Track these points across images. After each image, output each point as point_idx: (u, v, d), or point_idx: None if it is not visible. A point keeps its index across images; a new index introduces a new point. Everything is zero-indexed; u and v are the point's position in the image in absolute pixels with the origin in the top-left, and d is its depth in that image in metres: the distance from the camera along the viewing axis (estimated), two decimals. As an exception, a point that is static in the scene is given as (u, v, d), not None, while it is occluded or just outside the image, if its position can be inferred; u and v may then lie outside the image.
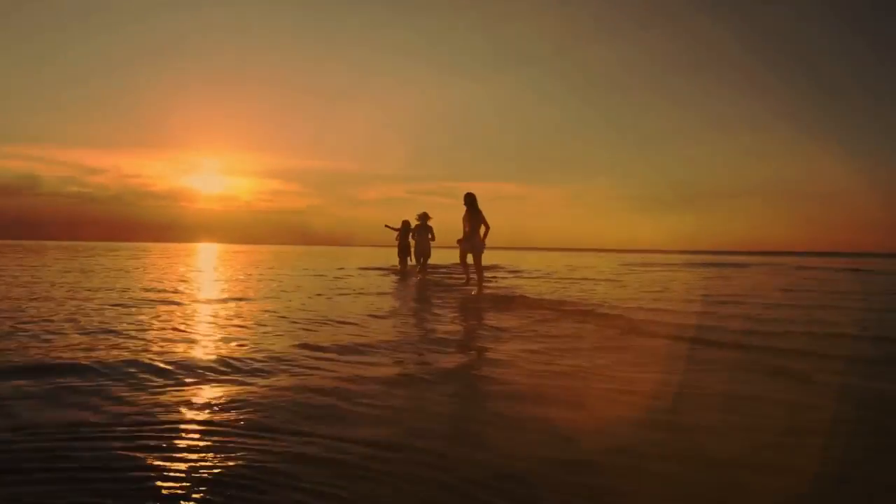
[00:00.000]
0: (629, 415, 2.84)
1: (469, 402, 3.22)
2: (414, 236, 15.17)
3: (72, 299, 7.49)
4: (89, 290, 8.86)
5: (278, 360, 3.97)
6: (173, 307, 6.96)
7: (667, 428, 2.63)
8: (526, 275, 16.76)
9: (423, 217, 14.62)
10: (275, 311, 6.78)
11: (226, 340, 4.68)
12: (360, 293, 9.61)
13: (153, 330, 5.15)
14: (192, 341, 4.63)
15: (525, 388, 3.35)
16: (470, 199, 9.98)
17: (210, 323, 5.75)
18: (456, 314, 7.14)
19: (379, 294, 9.67)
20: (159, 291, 9.07)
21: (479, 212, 9.91)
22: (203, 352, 4.20)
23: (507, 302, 8.45)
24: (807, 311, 7.90)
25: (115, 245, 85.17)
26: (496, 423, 2.70)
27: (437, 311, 7.41)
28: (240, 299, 8.12)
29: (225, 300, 7.97)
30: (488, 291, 10.17)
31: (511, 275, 16.63)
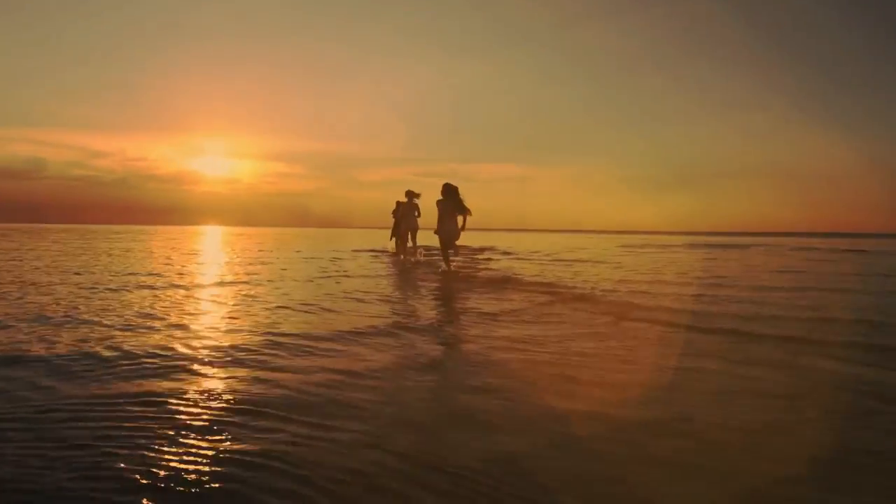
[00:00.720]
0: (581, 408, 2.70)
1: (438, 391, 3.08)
2: (396, 214, 14.70)
3: (46, 284, 7.38)
4: (65, 274, 8.75)
5: (230, 350, 3.83)
6: (146, 291, 6.84)
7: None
8: (521, 256, 16.59)
9: (410, 195, 13.95)
10: (251, 295, 6.66)
11: (179, 327, 4.55)
12: (344, 276, 9.49)
13: (114, 315, 5.03)
14: (147, 328, 4.51)
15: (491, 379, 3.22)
16: (451, 190, 10.27)
17: (175, 308, 5.62)
18: (431, 299, 7.02)
19: (362, 277, 9.53)
20: (137, 275, 8.96)
21: (460, 202, 10.21)
22: (151, 340, 4.06)
23: (492, 284, 8.32)
24: (802, 293, 7.76)
25: (118, 228, 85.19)
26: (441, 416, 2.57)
27: (415, 295, 7.29)
28: (219, 283, 8.00)
29: (201, 285, 7.84)
30: (480, 274, 10.23)
31: (504, 256, 16.47)
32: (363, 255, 16.12)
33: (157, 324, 4.62)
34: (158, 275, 9.05)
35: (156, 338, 4.04)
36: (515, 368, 3.41)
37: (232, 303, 6.01)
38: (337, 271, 10.47)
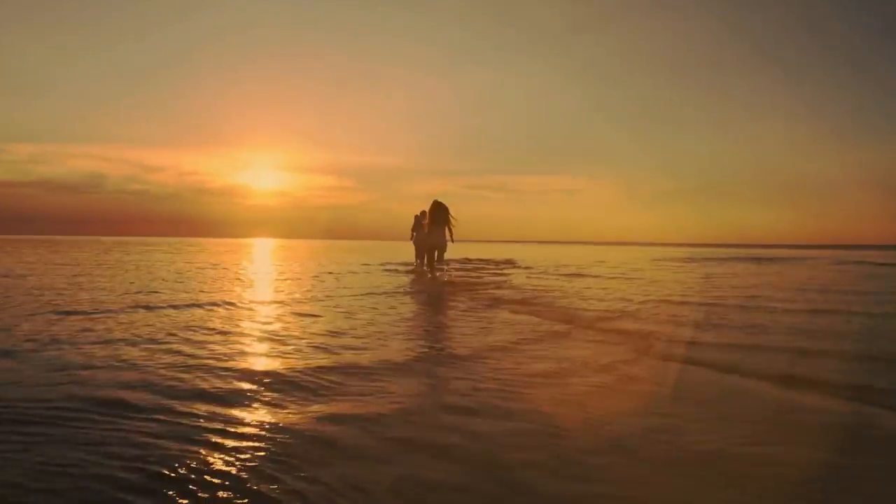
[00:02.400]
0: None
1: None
2: (415, 228, 14.22)
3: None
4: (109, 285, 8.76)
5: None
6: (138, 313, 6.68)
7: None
8: (542, 271, 15.88)
9: (440, 208, 12.43)
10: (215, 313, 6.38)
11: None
12: (340, 291, 9.14)
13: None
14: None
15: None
16: (442, 208, 11.97)
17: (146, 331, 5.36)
18: (395, 323, 6.54)
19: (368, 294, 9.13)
20: (136, 293, 8.88)
21: (447, 217, 11.92)
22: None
23: (483, 302, 7.78)
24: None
25: (173, 240, 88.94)
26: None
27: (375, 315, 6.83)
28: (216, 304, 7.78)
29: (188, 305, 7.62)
30: (477, 289, 9.67)
31: (524, 270, 15.79)
32: (390, 270, 15.72)
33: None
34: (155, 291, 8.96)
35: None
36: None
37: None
38: (339, 288, 10.14)
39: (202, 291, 8.47)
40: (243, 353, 4.02)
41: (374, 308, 6.70)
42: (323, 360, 3.82)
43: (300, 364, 3.66)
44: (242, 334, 4.82)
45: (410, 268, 15.31)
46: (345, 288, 9.50)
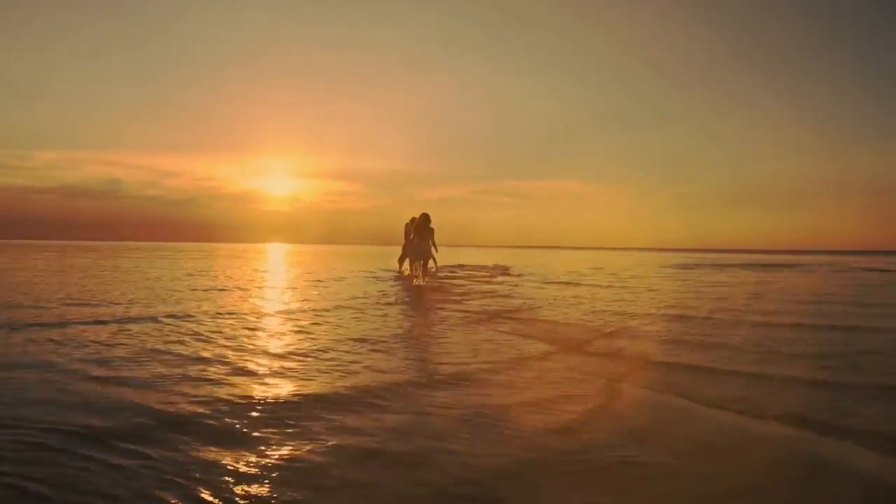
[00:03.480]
0: None
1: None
2: (409, 235, 14.36)
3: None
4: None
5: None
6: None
7: None
8: (535, 278, 15.59)
9: (426, 218, 13.55)
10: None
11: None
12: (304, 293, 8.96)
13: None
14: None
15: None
16: (427, 219, 13.29)
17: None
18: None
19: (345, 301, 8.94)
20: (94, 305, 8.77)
21: (431, 230, 13.29)
22: None
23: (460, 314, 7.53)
24: None
25: (190, 245, 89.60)
26: None
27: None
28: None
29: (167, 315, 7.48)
30: (454, 298, 9.38)
31: (516, 277, 15.51)
32: (380, 277, 15.57)
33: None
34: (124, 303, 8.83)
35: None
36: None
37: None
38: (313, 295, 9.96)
39: (163, 300, 8.29)
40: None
41: (338, 323, 6.39)
42: (230, 390, 3.62)
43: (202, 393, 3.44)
44: (156, 351, 4.59)
45: (396, 274, 15.36)
46: (323, 298, 9.29)
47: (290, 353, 4.48)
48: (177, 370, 3.84)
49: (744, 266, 27.77)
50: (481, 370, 3.96)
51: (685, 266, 27.60)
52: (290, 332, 5.55)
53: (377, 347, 4.81)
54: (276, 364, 4.04)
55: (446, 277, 14.95)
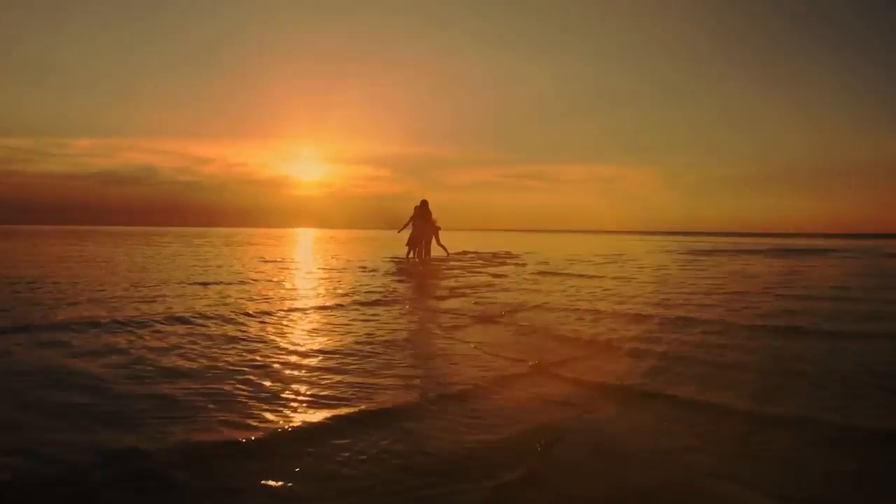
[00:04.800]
0: None
1: None
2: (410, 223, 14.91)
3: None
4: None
5: None
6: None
7: None
8: (541, 266, 14.71)
9: (424, 204, 14.62)
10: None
11: None
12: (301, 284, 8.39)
13: None
14: None
15: None
16: (425, 204, 14.47)
17: None
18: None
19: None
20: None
21: (430, 214, 14.56)
22: None
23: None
24: None
25: (225, 231, 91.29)
26: None
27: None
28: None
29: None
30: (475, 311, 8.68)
31: (518, 265, 14.66)
32: (394, 263, 14.96)
33: None
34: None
35: None
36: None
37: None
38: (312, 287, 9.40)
39: (133, 285, 7.80)
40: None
41: (314, 329, 5.79)
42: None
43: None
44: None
45: (402, 261, 15.28)
46: (301, 296, 8.71)
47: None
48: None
49: (774, 251, 26.26)
50: (406, 406, 3.25)
51: (714, 251, 26.29)
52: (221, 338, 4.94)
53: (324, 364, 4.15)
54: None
55: (442, 265, 14.40)
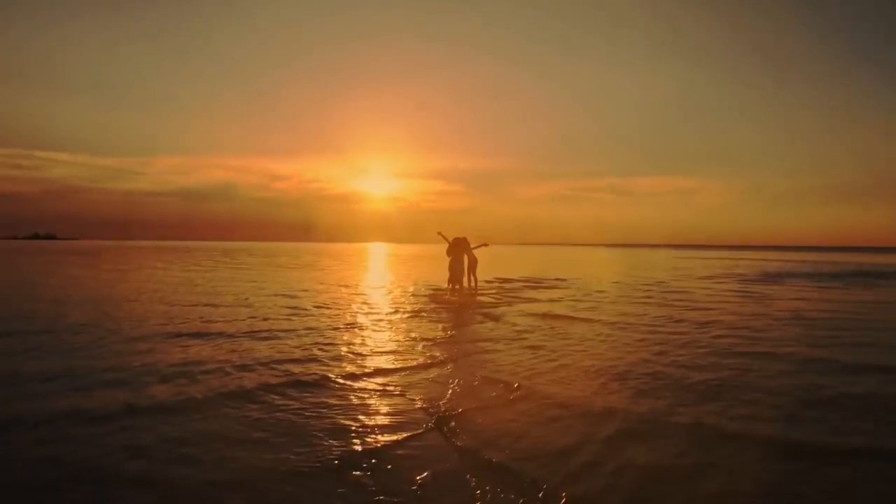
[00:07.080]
0: None
1: None
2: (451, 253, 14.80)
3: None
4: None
5: None
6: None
7: None
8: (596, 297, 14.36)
9: (464, 240, 14.92)
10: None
11: None
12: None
13: None
14: None
15: None
16: (461, 242, 14.60)
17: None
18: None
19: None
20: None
21: (468, 247, 14.71)
22: None
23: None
24: None
25: (302, 246, 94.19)
26: None
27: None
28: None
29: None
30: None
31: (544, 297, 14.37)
32: (421, 292, 15.22)
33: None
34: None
35: None
36: None
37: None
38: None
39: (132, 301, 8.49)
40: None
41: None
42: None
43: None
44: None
45: (443, 293, 14.75)
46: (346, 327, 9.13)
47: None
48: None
49: (859, 275, 24.18)
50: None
51: (783, 274, 24.63)
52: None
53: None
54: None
55: (482, 297, 14.07)
